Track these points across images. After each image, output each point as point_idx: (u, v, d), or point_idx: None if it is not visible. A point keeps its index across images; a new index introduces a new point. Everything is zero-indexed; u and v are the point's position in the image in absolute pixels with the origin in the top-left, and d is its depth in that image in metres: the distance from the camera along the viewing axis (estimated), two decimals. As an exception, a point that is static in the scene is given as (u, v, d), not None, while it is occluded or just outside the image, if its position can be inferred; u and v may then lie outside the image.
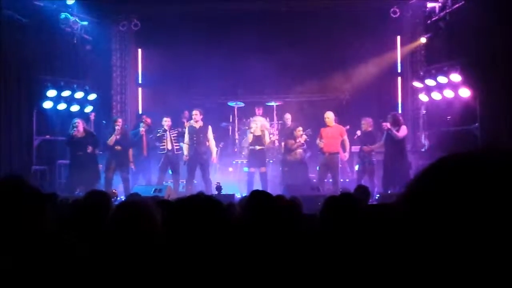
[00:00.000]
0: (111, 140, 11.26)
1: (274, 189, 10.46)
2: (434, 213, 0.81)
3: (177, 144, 11.44)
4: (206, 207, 2.32)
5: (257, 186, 10.74)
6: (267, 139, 11.50)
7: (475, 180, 0.80)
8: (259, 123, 11.47)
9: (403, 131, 10.96)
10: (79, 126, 11.04)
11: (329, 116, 11.35)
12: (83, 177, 10.88)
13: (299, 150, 11.67)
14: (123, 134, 11.44)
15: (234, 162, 13.44)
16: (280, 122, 13.44)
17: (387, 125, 10.97)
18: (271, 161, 13.03)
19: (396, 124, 11.04)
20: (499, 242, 0.76)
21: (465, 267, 0.77)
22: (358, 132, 11.28)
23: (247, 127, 13.45)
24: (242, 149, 13.42)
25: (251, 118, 12.54)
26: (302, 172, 11.56)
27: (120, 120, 11.66)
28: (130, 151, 11.50)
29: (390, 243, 0.86)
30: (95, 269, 2.36)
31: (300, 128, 11.85)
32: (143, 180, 11.99)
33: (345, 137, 11.36)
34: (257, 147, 11.34)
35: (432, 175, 0.86)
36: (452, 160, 0.85)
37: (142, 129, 11.85)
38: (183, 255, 2.21)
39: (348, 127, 12.24)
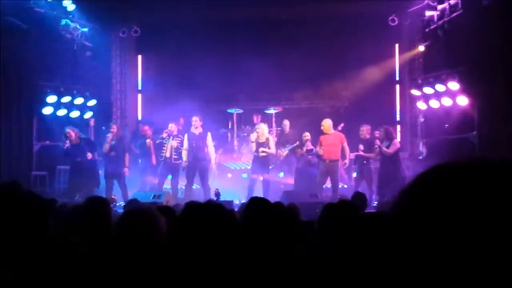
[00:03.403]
0: (105, 148, 11.28)
1: (273, 196, 10.46)
2: (425, 220, 0.82)
3: (176, 154, 11.41)
4: (218, 215, 2.36)
5: (258, 192, 10.73)
6: (272, 146, 11.44)
7: (467, 188, 0.81)
8: (260, 130, 11.44)
9: (394, 146, 10.93)
10: (71, 136, 10.98)
11: (324, 124, 11.29)
12: (83, 183, 10.88)
13: (309, 157, 11.73)
14: (118, 139, 11.40)
15: (232, 168, 13.45)
16: (278, 128, 13.46)
17: (377, 142, 11.01)
18: (270, 167, 13.05)
19: (388, 138, 11.04)
20: (489, 249, 0.77)
21: (457, 274, 0.78)
22: (361, 147, 11.24)
23: (246, 134, 13.49)
24: (241, 155, 13.46)
25: (255, 127, 12.37)
26: (314, 178, 11.54)
27: (114, 126, 11.58)
28: (127, 157, 11.45)
29: (383, 250, 0.88)
30: (100, 276, 2.37)
31: (307, 133, 11.83)
32: (147, 185, 12.01)
33: (345, 144, 11.26)
34: (261, 154, 11.32)
35: (423, 183, 0.87)
36: (444, 169, 0.86)
37: (148, 140, 11.85)
38: (189, 262, 2.24)
39: (342, 124, 12.43)
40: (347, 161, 11.41)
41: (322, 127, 11.25)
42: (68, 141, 10.91)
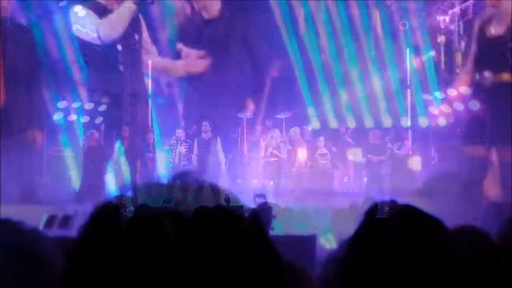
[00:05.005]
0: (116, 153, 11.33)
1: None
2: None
3: (184, 160, 11.41)
4: (228, 221, 2.33)
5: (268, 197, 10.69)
6: (283, 151, 11.45)
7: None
8: (274, 135, 11.47)
9: (405, 147, 10.89)
10: (94, 137, 11.09)
11: (291, 132, 11.47)
12: (94, 188, 10.92)
13: (322, 161, 11.69)
14: (129, 144, 11.44)
15: (242, 173, 13.41)
16: (288, 134, 13.42)
17: (389, 145, 10.98)
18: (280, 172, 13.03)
19: (399, 139, 11.00)
20: None
21: None
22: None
23: (255, 139, 13.46)
24: (251, 160, 13.41)
25: (270, 131, 12.37)
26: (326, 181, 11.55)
27: (125, 128, 11.64)
28: (138, 161, 11.49)
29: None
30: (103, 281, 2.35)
31: (322, 138, 11.82)
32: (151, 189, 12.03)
33: (298, 150, 11.45)
34: (272, 159, 11.32)
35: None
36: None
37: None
38: (197, 267, 2.22)
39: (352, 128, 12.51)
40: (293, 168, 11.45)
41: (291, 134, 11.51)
42: (89, 140, 11.03)
